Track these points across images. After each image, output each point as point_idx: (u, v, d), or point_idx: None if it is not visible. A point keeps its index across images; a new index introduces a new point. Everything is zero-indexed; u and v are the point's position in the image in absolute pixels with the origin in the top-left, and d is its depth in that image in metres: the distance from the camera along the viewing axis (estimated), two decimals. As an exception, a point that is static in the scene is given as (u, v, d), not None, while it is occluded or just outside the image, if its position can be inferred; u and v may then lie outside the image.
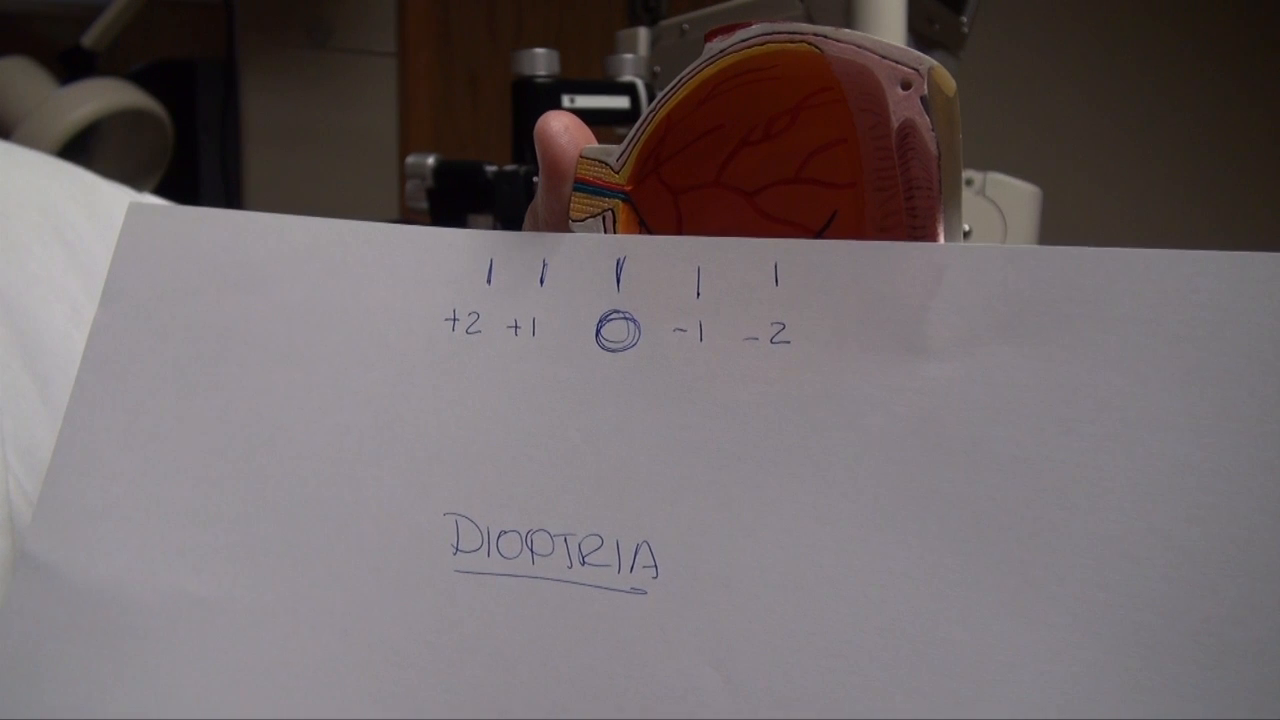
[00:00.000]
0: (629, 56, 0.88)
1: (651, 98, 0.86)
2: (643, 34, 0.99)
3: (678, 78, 0.29)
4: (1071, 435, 0.25)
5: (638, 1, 1.14)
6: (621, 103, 0.82)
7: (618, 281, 0.29)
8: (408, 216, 1.10)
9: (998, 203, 0.97)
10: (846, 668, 0.26)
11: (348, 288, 0.31)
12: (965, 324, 0.26)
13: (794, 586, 0.27)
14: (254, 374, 0.31)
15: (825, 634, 0.26)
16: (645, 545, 0.28)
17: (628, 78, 0.85)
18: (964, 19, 0.92)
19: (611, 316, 0.29)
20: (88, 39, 1.14)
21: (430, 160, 0.80)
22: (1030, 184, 1.00)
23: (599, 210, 0.30)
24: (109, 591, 0.31)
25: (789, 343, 0.27)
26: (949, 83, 0.27)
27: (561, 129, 0.30)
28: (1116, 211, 1.65)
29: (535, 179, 0.79)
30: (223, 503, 0.31)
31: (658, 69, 0.96)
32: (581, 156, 0.30)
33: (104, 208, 0.48)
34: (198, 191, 1.35)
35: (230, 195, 1.38)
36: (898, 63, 0.26)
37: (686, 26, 0.96)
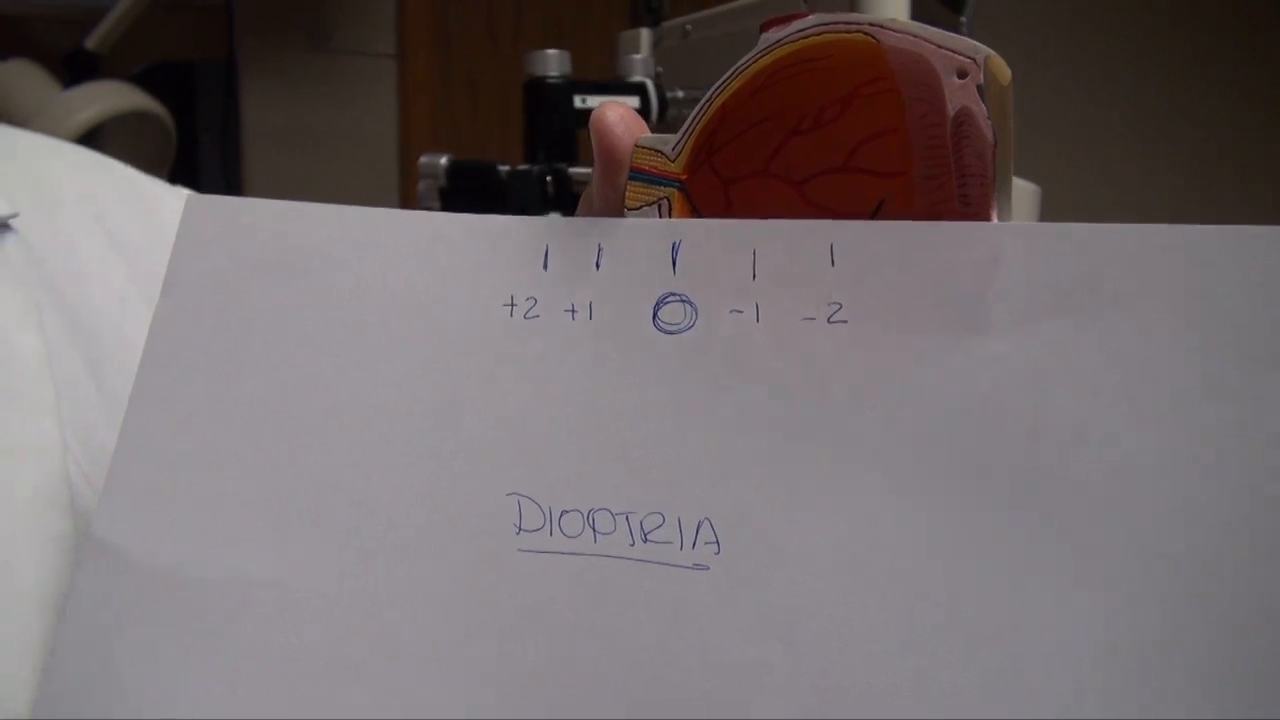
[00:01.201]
0: (638, 57, 0.89)
1: (661, 96, 0.87)
2: (645, 35, 1.00)
3: (734, 68, 0.30)
4: (1131, 409, 0.26)
5: (640, 2, 1.15)
6: (632, 103, 0.83)
7: (673, 265, 0.30)
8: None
9: (999, 201, 0.99)
10: (910, 641, 0.27)
11: (406, 275, 0.32)
12: (1022, 302, 0.27)
13: (855, 562, 0.28)
14: (315, 360, 0.32)
15: (887, 608, 0.27)
16: (707, 522, 0.29)
17: (638, 78, 0.86)
18: (963, 19, 0.94)
19: (668, 299, 0.30)
20: (91, 42, 1.15)
21: (443, 160, 0.81)
22: (1029, 182, 1.01)
23: (654, 199, 0.31)
24: (176, 573, 0.31)
25: (846, 322, 0.28)
26: (1004, 72, 0.28)
27: (618, 119, 0.31)
28: (1114, 209, 1.67)
29: (549, 179, 0.80)
30: (287, 485, 0.31)
31: (660, 69, 0.96)
32: (637, 146, 0.31)
33: (141, 198, 0.49)
34: (198, 192, 1.36)
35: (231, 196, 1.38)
36: (954, 51, 0.27)
37: (689, 27, 0.97)
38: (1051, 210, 1.01)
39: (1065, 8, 1.72)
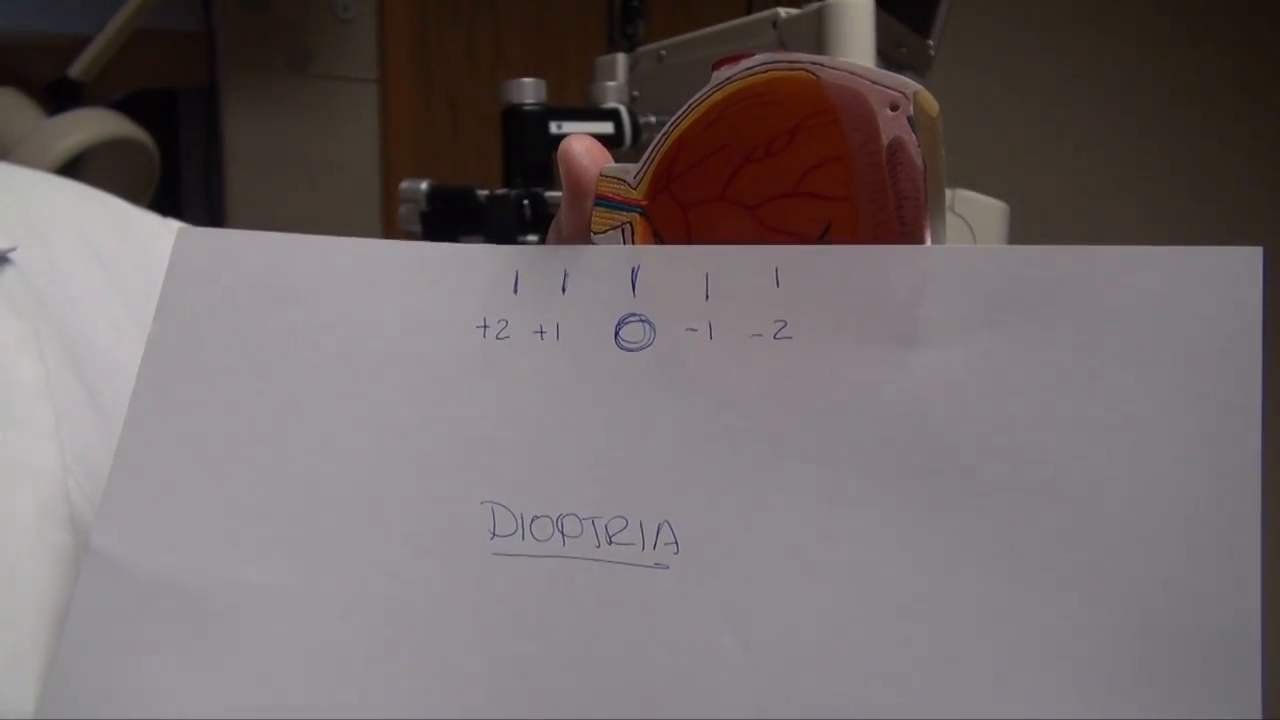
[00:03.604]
0: (612, 84, 0.91)
1: (634, 122, 0.90)
2: (621, 60, 1.02)
3: (688, 103, 0.32)
4: (1045, 412, 0.28)
5: (616, 28, 1.17)
6: (606, 128, 0.86)
7: (633, 287, 0.32)
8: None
9: (967, 218, 1.02)
10: (854, 632, 0.29)
11: (385, 300, 0.34)
12: (950, 317, 0.29)
13: (803, 558, 0.30)
14: (301, 381, 0.34)
15: (833, 600, 0.29)
16: (666, 524, 0.31)
17: (611, 104, 0.89)
18: (930, 42, 0.97)
19: (629, 319, 0.32)
20: (74, 70, 1.16)
21: (423, 185, 0.83)
22: (998, 200, 1.04)
23: (618, 223, 0.33)
24: (172, 582, 0.33)
25: (791, 338, 0.31)
26: (932, 105, 0.30)
27: (583, 150, 0.33)
28: (1080, 226, 1.70)
29: (526, 203, 0.82)
30: (276, 498, 0.33)
31: (636, 93, 0.99)
32: (601, 175, 0.33)
33: (133, 230, 0.51)
34: (180, 218, 1.37)
35: (214, 221, 1.40)
36: (887, 87, 0.30)
37: (664, 53, 0.99)
38: (1018, 226, 1.04)
39: (1030, 30, 1.75)
